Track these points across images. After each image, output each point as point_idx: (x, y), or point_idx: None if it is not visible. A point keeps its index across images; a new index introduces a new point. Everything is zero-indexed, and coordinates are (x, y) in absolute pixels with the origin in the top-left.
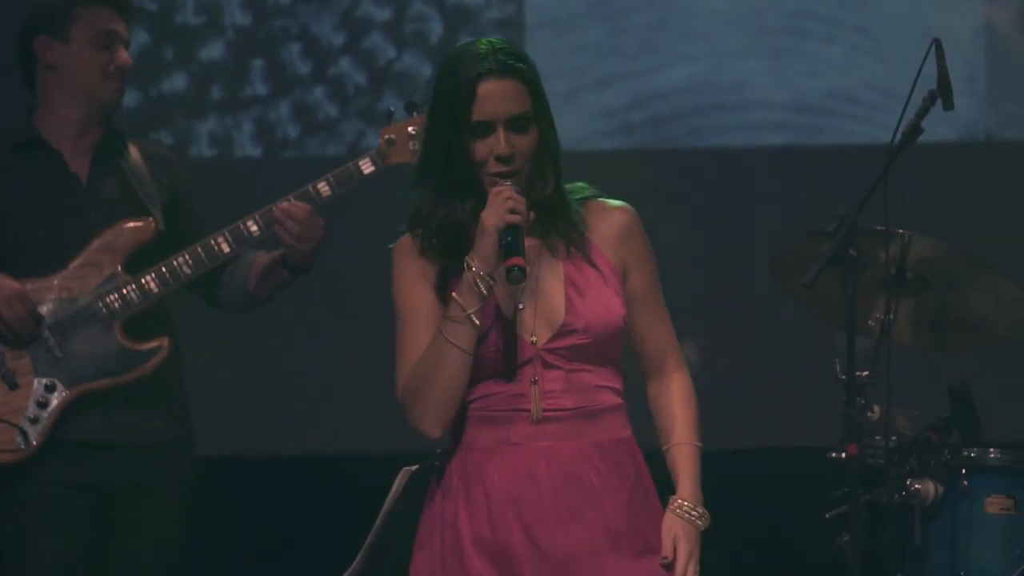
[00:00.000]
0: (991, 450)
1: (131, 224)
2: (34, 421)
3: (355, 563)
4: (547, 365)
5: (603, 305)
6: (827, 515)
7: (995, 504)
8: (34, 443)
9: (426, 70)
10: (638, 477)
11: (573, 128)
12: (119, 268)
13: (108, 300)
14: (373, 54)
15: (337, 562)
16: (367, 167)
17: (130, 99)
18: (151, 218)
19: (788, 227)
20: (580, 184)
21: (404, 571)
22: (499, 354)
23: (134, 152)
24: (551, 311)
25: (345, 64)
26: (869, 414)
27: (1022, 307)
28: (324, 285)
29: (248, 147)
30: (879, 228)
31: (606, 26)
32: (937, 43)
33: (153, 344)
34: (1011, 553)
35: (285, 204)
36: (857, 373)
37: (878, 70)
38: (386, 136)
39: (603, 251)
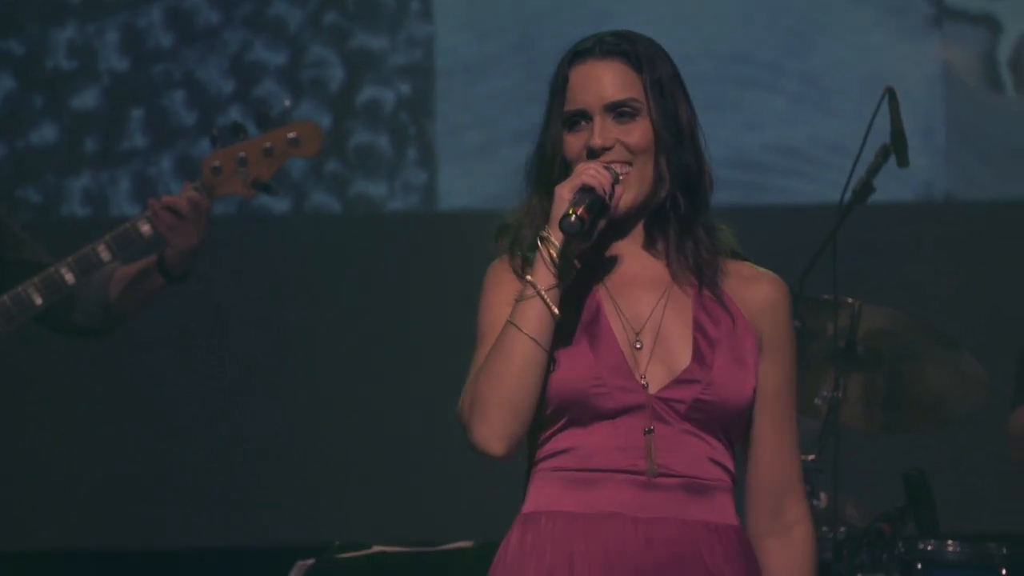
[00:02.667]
0: (949, 543)
1: None
2: None
3: None
4: (656, 417)
5: (736, 364)
6: None
7: None
8: None
9: (326, 120)
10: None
11: (487, 185)
12: None
13: None
14: (267, 103)
15: None
16: (188, 195)
17: None
18: None
19: None
20: (728, 233)
21: None
22: (604, 392)
23: None
24: (672, 354)
25: (235, 113)
26: (815, 502)
27: (984, 384)
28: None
29: (126, 206)
30: (826, 297)
31: (524, 71)
32: (890, 92)
33: None
34: None
35: (168, 198)
36: (802, 457)
37: (824, 122)
38: (212, 164)
39: (739, 305)
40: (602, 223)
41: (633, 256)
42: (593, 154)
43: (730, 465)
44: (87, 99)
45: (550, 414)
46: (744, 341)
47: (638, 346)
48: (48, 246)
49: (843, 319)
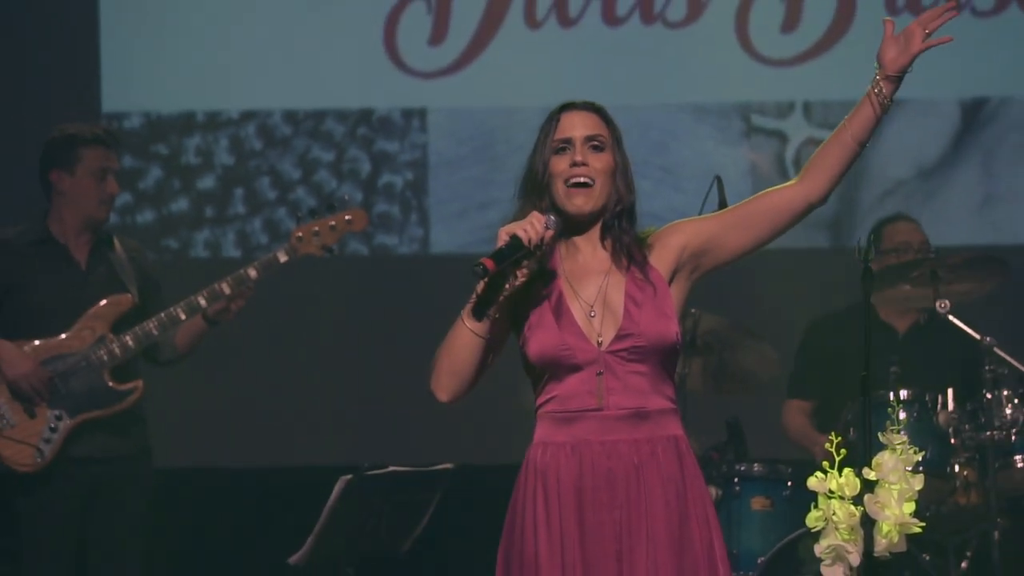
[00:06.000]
0: (755, 465)
1: (115, 298)
2: (47, 441)
3: (306, 545)
4: (609, 366)
5: (656, 316)
6: None
7: (758, 503)
8: (48, 457)
9: (359, 196)
10: (682, 472)
11: (464, 236)
12: (107, 330)
13: (99, 354)
14: (320, 185)
15: (292, 545)
16: (283, 257)
17: (148, 216)
18: (129, 294)
19: None
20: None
21: (341, 550)
22: (569, 352)
23: (117, 245)
24: (615, 317)
25: (301, 192)
26: None
27: (776, 364)
28: (272, 328)
29: (231, 250)
30: None
31: (487, 165)
32: (718, 179)
33: (131, 385)
34: (768, 538)
35: (226, 287)
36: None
37: (677, 197)
38: (297, 235)
39: (659, 267)
40: (529, 262)
41: (588, 250)
42: (576, 165)
43: (670, 392)
44: (207, 182)
45: (537, 372)
46: (665, 300)
47: (592, 315)
48: (183, 277)
49: (688, 322)
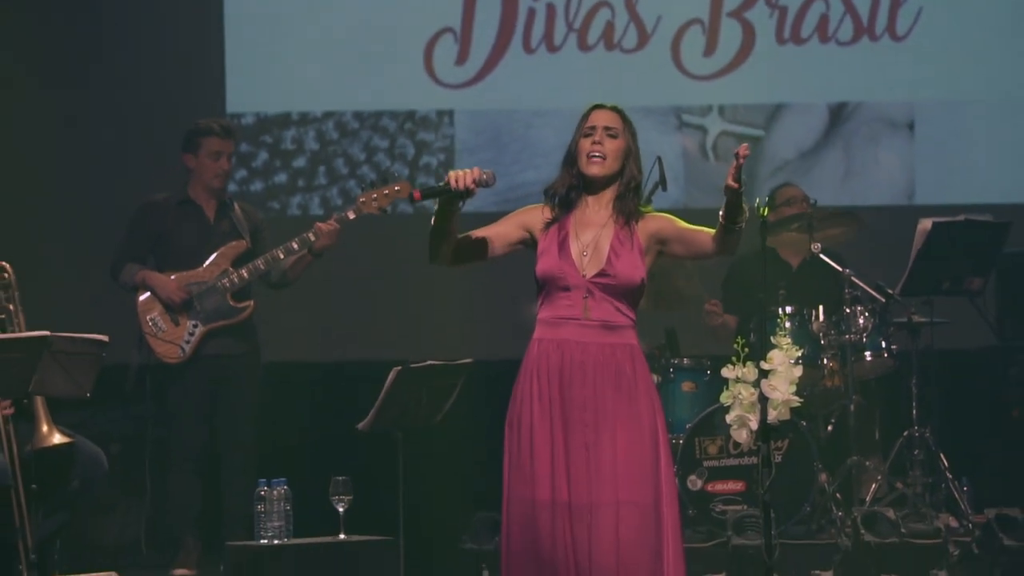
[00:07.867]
0: (684, 359)
1: (234, 243)
2: (187, 342)
3: (369, 416)
4: (590, 291)
5: (629, 264)
6: None
7: (686, 386)
8: (188, 353)
9: (406, 173)
10: (634, 368)
11: (479, 201)
12: (229, 265)
13: (223, 282)
14: (379, 165)
15: (359, 416)
16: (351, 215)
17: (258, 186)
18: (244, 240)
19: None
20: (653, 209)
21: (394, 420)
22: (563, 275)
23: (237, 206)
24: (600, 259)
25: (365, 170)
26: None
27: (698, 286)
28: (342, 264)
29: (317, 211)
30: None
31: (496, 151)
32: (659, 159)
33: (245, 304)
34: (693, 410)
35: (323, 226)
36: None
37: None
38: (360, 200)
39: (640, 237)
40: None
41: (596, 207)
42: (595, 143)
43: (631, 314)
44: (300, 162)
45: (540, 285)
46: (637, 255)
47: (585, 254)
48: (282, 230)
49: None
